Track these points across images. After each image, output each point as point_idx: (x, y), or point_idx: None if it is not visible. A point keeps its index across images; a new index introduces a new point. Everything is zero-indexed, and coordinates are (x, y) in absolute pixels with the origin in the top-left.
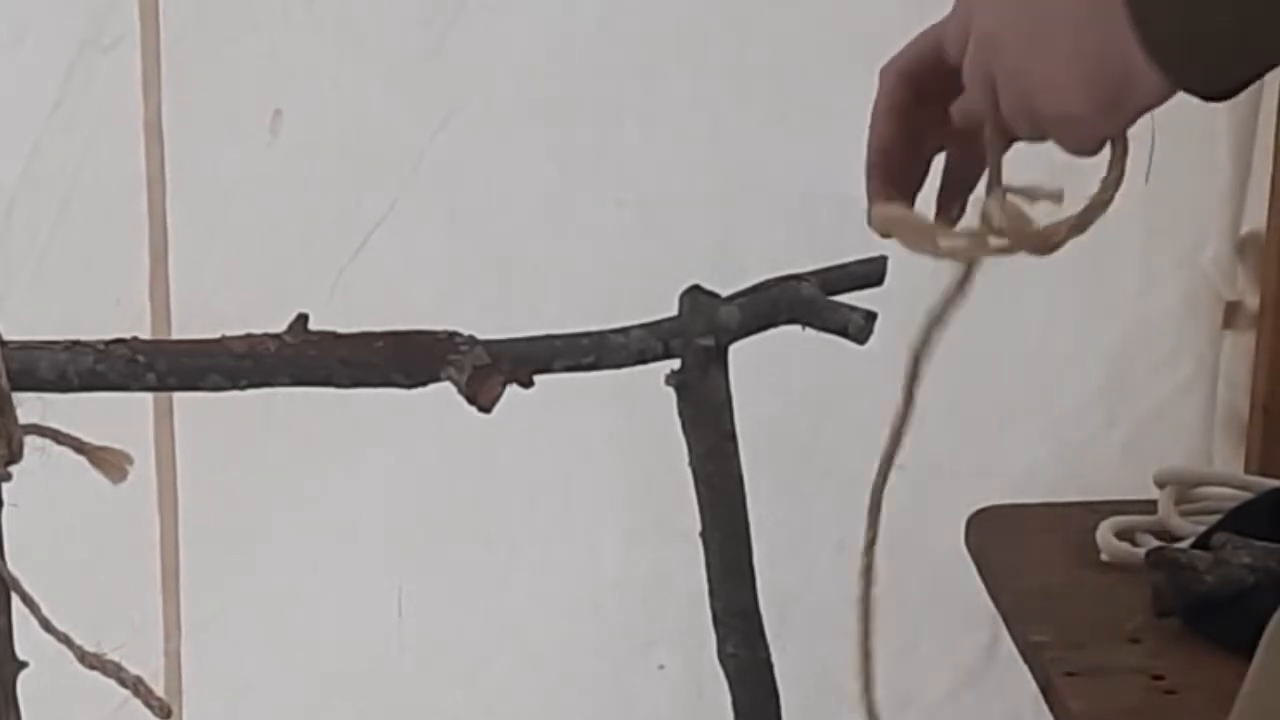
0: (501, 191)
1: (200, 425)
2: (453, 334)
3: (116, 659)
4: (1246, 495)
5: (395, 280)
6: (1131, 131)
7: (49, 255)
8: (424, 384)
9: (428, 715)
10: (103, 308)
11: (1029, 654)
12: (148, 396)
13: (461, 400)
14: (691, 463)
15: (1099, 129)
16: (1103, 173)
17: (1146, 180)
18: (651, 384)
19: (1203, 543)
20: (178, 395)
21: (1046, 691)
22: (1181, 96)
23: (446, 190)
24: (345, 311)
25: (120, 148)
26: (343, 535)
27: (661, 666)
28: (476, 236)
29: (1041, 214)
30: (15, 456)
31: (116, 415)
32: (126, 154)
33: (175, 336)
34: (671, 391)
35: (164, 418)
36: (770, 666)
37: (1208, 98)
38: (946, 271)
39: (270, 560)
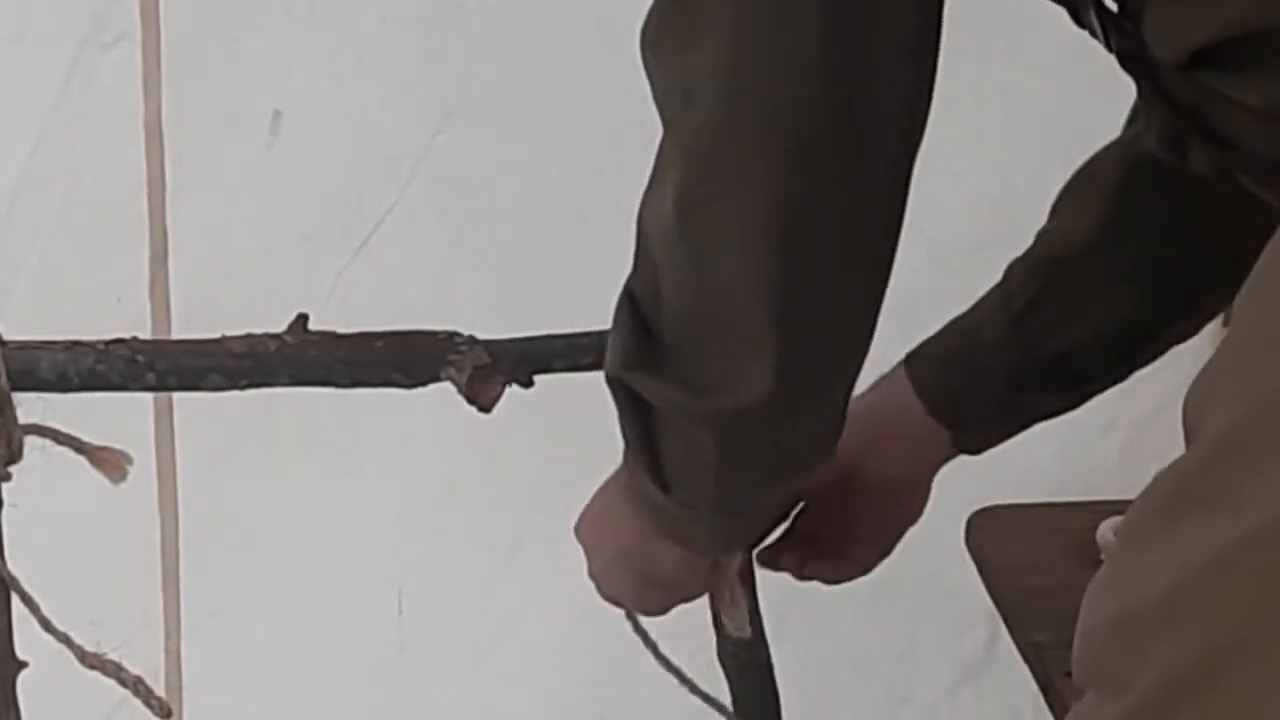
0: (501, 191)
1: (200, 425)
2: (453, 334)
3: (116, 658)
4: None
5: (395, 280)
6: None
7: (49, 254)
8: (424, 384)
9: (428, 713)
10: (103, 307)
11: (1030, 654)
12: (148, 396)
13: (461, 400)
14: None
15: (653, 605)
16: None
17: None
18: None
19: None
20: (178, 395)
21: (1047, 691)
22: None
23: (446, 190)
24: (345, 311)
25: (121, 146)
26: (343, 535)
27: None
28: (476, 236)
29: None
30: (15, 456)
31: (116, 415)
32: (127, 153)
33: (175, 336)
34: None
35: (164, 418)
36: (770, 667)
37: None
38: (944, 271)
39: (270, 559)
